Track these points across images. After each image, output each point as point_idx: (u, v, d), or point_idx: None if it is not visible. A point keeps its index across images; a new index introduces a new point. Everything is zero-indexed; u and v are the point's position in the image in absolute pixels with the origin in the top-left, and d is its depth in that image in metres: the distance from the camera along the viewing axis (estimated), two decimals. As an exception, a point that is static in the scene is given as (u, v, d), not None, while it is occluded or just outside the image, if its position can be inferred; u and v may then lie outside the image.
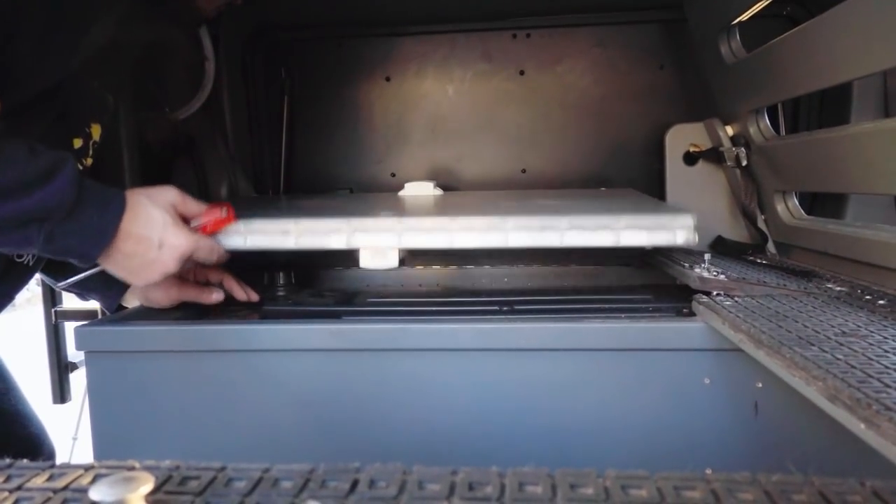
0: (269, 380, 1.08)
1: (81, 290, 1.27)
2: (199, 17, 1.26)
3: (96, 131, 1.15)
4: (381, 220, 1.13)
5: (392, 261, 1.12)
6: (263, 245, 1.13)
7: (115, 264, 1.00)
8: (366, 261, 1.12)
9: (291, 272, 1.54)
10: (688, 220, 1.08)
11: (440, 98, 1.88)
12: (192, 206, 1.07)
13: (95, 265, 1.01)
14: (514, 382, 1.04)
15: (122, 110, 1.37)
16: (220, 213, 1.09)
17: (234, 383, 1.08)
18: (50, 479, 0.47)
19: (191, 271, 1.26)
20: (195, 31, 1.23)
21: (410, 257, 1.20)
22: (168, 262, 1.01)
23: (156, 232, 0.99)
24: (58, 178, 0.87)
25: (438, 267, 1.60)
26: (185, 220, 1.06)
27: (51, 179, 0.87)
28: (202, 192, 1.70)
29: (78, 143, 1.12)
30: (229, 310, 1.28)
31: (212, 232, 1.09)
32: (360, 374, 1.06)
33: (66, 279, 1.25)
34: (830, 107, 1.57)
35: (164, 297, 1.22)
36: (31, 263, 1.16)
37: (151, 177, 1.50)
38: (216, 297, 1.23)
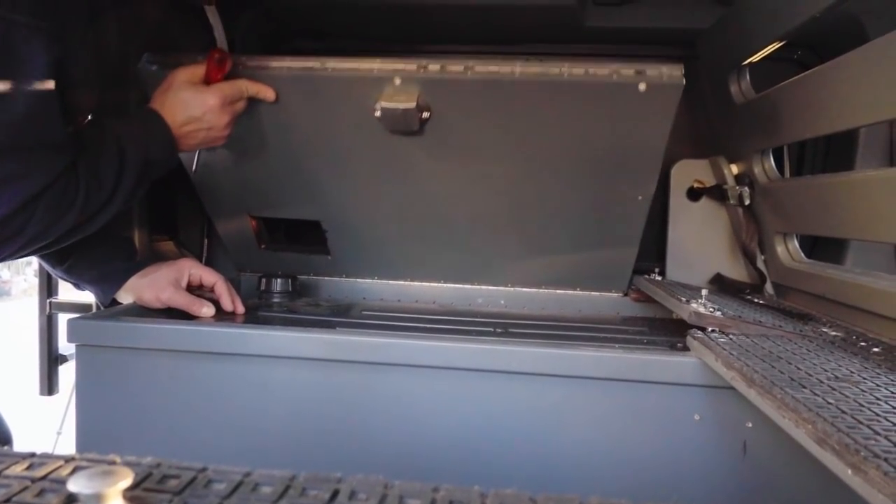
0: (259, 385, 1.07)
1: (78, 279, 1.27)
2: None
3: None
4: (404, 59, 1.19)
5: (411, 102, 1.18)
6: (294, 73, 1.22)
7: (192, 148, 1.20)
8: (387, 100, 1.19)
9: (289, 279, 1.54)
10: (678, 67, 1.15)
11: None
12: (202, 70, 1.18)
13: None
14: (503, 405, 1.04)
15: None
16: (215, 60, 1.19)
17: (224, 386, 1.08)
18: (29, 468, 0.47)
19: (186, 270, 1.26)
20: (198, 12, 1.26)
21: (424, 146, 1.28)
22: (218, 117, 1.17)
23: (191, 108, 1.15)
24: (127, 153, 1.06)
25: (436, 284, 1.60)
26: (206, 80, 1.19)
27: (125, 160, 1.06)
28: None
29: None
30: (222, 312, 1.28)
31: (221, 77, 1.19)
32: (351, 385, 1.06)
33: (64, 266, 1.25)
34: (836, 152, 1.58)
35: (155, 300, 1.22)
36: None
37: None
38: (206, 311, 1.23)
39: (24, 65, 0.89)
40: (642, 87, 1.14)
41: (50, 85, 0.92)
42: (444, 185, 1.39)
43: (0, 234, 0.93)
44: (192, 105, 1.15)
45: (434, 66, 1.17)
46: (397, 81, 1.19)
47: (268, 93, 1.24)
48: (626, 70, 1.14)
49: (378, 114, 1.21)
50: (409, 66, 1.18)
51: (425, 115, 1.22)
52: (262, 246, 1.60)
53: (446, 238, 1.49)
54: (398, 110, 1.19)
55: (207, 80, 1.18)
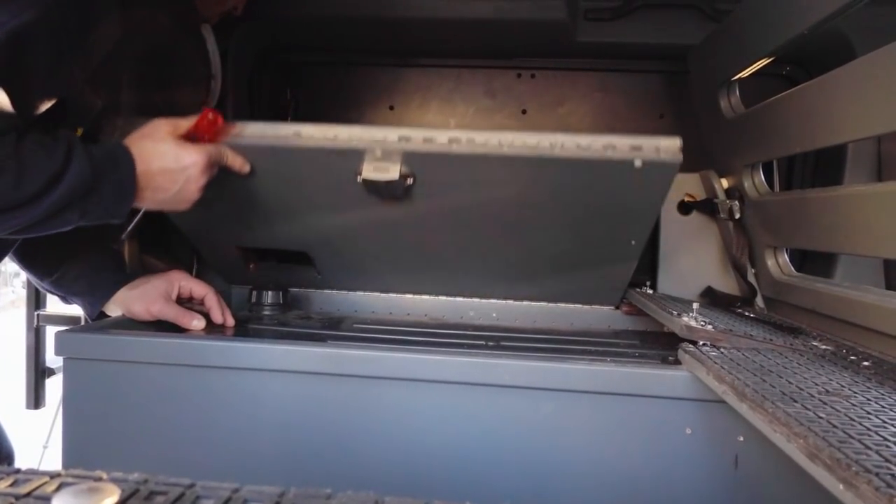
0: (249, 399, 1.06)
1: (66, 292, 1.26)
2: (199, 17, 1.29)
3: (78, 132, 1.14)
4: (386, 128, 1.14)
5: (393, 173, 1.13)
6: (273, 143, 1.15)
7: (154, 203, 1.08)
8: (368, 171, 1.13)
9: (280, 292, 1.53)
10: (675, 141, 1.09)
11: (442, 131, 1.90)
12: (185, 124, 1.10)
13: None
14: (495, 419, 1.03)
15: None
16: (208, 117, 1.11)
17: (214, 400, 1.07)
18: (14, 484, 0.46)
19: (176, 282, 1.25)
20: (195, 32, 1.25)
21: (409, 200, 1.21)
22: (197, 177, 1.07)
23: (170, 160, 1.04)
24: (73, 162, 0.94)
25: (428, 297, 1.59)
26: (189, 137, 1.10)
27: (68, 167, 0.93)
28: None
29: None
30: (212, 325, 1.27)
31: (213, 139, 1.12)
32: (341, 399, 1.05)
33: (52, 279, 1.24)
34: (825, 167, 1.59)
35: (145, 312, 1.21)
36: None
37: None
38: (196, 324, 1.22)
39: None
40: (638, 163, 1.09)
41: None
42: (433, 230, 1.35)
43: None
44: (173, 158, 1.04)
45: (417, 138, 1.11)
46: (378, 153, 1.13)
47: (244, 167, 1.17)
48: (622, 145, 1.08)
49: (360, 181, 1.15)
50: (390, 136, 1.12)
51: (409, 181, 1.16)
52: (251, 265, 1.57)
53: (437, 259, 1.47)
54: (381, 182, 1.14)
55: (191, 138, 1.09)
